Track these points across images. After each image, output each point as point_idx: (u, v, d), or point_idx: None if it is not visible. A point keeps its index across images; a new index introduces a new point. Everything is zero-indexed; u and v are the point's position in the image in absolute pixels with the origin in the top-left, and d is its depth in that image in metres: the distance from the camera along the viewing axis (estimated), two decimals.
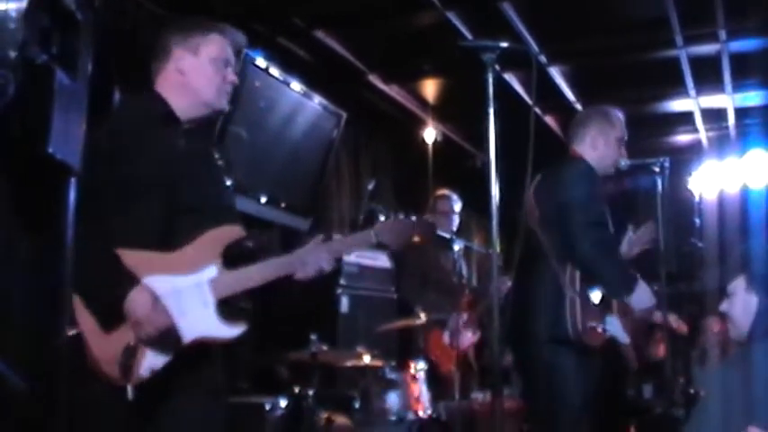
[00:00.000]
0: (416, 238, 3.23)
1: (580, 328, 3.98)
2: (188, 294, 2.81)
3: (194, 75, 3.04)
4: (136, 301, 2.71)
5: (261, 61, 5.94)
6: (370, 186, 6.76)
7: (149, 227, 2.84)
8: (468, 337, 6.17)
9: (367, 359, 5.01)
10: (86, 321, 2.69)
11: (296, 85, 6.44)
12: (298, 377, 4.98)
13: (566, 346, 4.02)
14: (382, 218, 3.21)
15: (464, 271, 6.59)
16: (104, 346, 2.69)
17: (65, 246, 1.63)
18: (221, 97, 3.09)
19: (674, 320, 4.63)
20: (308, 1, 6.03)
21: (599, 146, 4.36)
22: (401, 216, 3.22)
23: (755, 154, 9.48)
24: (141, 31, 5.42)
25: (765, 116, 8.99)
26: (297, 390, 4.73)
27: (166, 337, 2.75)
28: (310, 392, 4.69)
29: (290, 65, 6.41)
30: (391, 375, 5.22)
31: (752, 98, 8.52)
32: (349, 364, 5.14)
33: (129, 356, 2.68)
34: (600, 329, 4.05)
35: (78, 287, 2.57)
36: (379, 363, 5.10)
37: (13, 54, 1.42)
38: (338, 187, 7.95)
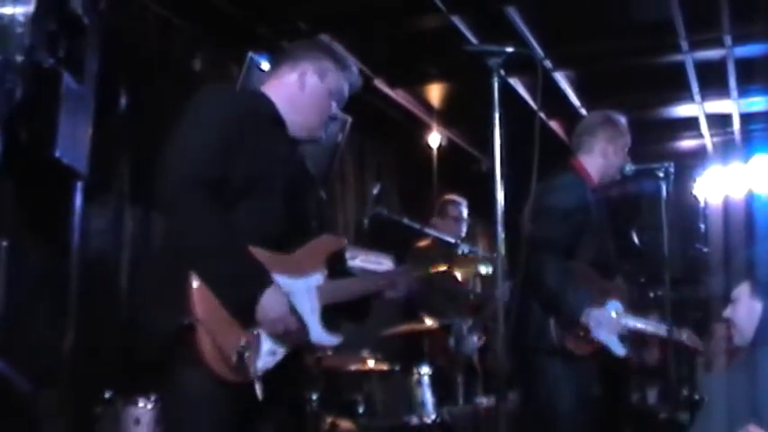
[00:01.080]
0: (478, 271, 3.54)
1: (565, 336, 3.98)
2: (299, 298, 2.84)
3: (312, 97, 3.05)
4: (273, 299, 2.70)
5: (265, 65, 5.94)
6: (375, 191, 6.75)
7: (272, 226, 2.85)
8: (473, 342, 6.17)
9: (371, 363, 5.01)
10: (211, 313, 2.65)
11: None
12: (302, 380, 4.97)
13: (553, 354, 4.02)
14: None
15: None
16: (224, 338, 2.65)
17: (71, 249, 1.63)
18: (321, 129, 3.13)
19: (689, 337, 4.58)
20: (313, 4, 6.04)
21: (608, 154, 4.36)
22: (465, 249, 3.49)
23: (760, 159, 9.48)
24: (147, 34, 5.44)
25: None
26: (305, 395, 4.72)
27: (292, 339, 2.78)
28: (314, 396, 4.69)
29: None
30: (396, 380, 5.21)
31: (757, 104, 8.52)
32: (353, 368, 5.13)
33: (245, 354, 2.64)
34: (589, 338, 4.04)
35: (209, 278, 2.64)
36: (383, 367, 5.10)
37: (20, 58, 1.43)
38: (343, 191, 7.95)
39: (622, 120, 4.46)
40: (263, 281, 2.70)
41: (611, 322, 4.12)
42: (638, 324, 4.29)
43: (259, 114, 2.94)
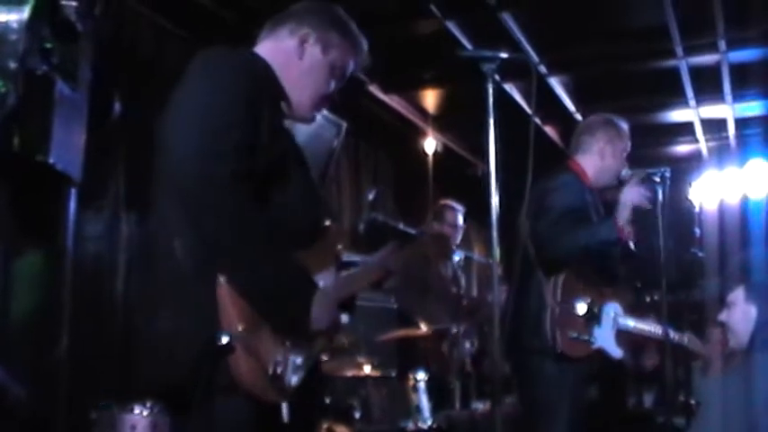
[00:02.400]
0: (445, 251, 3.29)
1: (559, 338, 3.98)
2: None
3: (309, 72, 2.67)
4: (324, 306, 2.42)
5: None
6: (371, 196, 6.75)
7: (301, 217, 2.53)
8: (466, 347, 6.17)
9: (368, 369, 5.00)
10: (249, 327, 2.27)
11: None
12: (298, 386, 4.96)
13: (547, 356, 4.02)
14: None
15: (463, 281, 6.61)
16: (260, 356, 2.30)
17: (65, 254, 1.63)
18: (313, 109, 2.76)
19: (690, 340, 4.58)
20: None
21: (606, 155, 4.37)
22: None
23: (755, 164, 9.49)
24: (141, 40, 5.44)
25: (765, 126, 9.01)
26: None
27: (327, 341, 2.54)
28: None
29: None
30: (392, 385, 5.21)
31: (752, 108, 8.54)
32: (350, 373, 5.13)
33: (278, 370, 2.33)
34: (582, 340, 4.04)
35: (249, 286, 2.27)
36: (379, 372, 5.09)
37: (14, 65, 1.43)
38: (338, 196, 7.95)
39: (624, 125, 4.48)
40: (313, 289, 2.41)
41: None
42: (637, 325, 4.29)
43: (272, 83, 2.59)
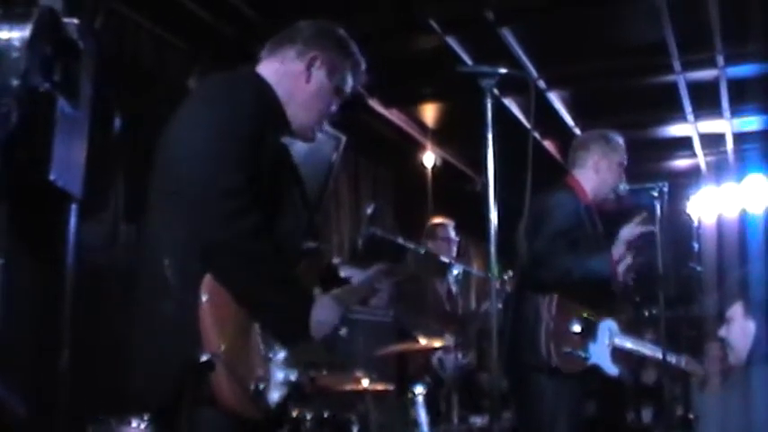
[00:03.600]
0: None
1: (554, 353, 3.98)
2: None
3: (316, 95, 2.71)
4: (327, 312, 2.51)
5: None
6: (370, 210, 6.75)
7: (296, 237, 2.62)
8: (453, 361, 6.19)
9: (366, 383, 4.99)
10: (232, 342, 2.31)
11: None
12: (296, 400, 4.96)
13: (543, 371, 4.02)
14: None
15: (458, 297, 6.63)
16: (242, 372, 2.32)
17: (65, 270, 1.64)
18: (316, 129, 2.79)
19: (687, 363, 4.59)
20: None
21: (601, 169, 4.38)
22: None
23: (754, 179, 9.50)
24: (142, 52, 5.46)
25: (763, 141, 9.02)
26: (295, 413, 4.71)
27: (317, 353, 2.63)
28: (308, 416, 4.67)
29: None
30: (390, 400, 5.21)
31: (750, 123, 8.56)
32: (348, 388, 5.12)
33: (260, 386, 2.36)
34: (577, 356, 4.05)
35: (260, 316, 2.38)
36: (377, 387, 5.08)
37: (15, 82, 1.44)
38: (337, 211, 7.96)
39: (618, 138, 4.49)
40: (311, 303, 2.48)
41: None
42: (632, 345, 4.29)
43: (276, 108, 2.64)
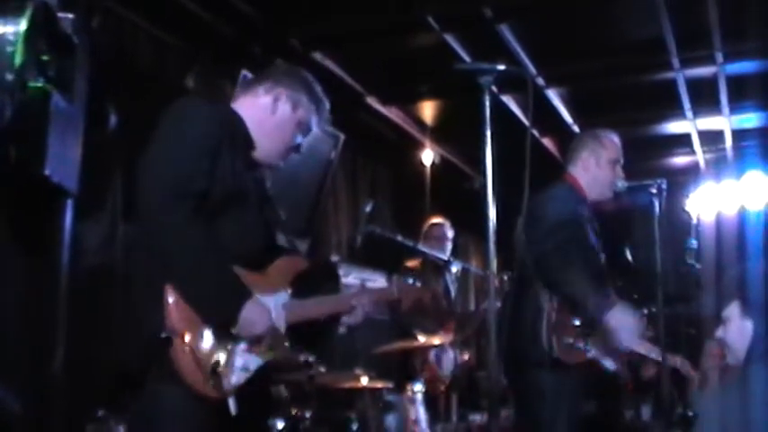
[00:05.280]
0: (417, 300, 3.55)
1: (556, 344, 3.98)
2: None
3: (280, 125, 3.09)
4: (257, 315, 2.77)
5: None
6: (368, 208, 6.76)
7: (250, 241, 2.92)
8: (450, 359, 6.19)
9: (365, 381, 4.99)
10: (188, 326, 2.67)
11: None
12: (295, 399, 4.96)
13: (544, 365, 4.02)
14: (410, 281, 3.47)
15: (454, 295, 6.64)
16: (198, 354, 2.67)
17: (60, 268, 1.63)
18: (281, 157, 3.16)
19: (680, 362, 4.59)
20: (306, 23, 6.05)
21: (590, 167, 4.38)
22: (411, 281, 3.50)
23: (752, 176, 9.50)
24: (140, 52, 5.45)
25: (762, 138, 9.02)
26: (294, 412, 4.71)
27: (273, 352, 2.85)
28: (308, 414, 4.67)
29: None
30: (389, 398, 5.21)
31: (749, 120, 8.55)
32: (347, 386, 5.12)
33: (218, 369, 2.68)
34: (578, 348, 4.05)
35: (187, 289, 2.67)
36: (376, 385, 5.09)
37: (10, 77, 1.43)
38: (335, 209, 7.95)
39: (610, 136, 4.48)
40: (244, 296, 2.76)
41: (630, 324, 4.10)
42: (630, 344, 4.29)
43: (234, 130, 2.96)
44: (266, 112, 3.07)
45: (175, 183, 2.65)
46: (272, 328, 2.82)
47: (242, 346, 2.79)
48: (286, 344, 2.93)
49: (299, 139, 3.16)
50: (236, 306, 2.73)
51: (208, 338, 2.70)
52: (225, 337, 2.73)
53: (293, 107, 3.09)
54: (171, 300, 2.65)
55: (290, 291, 3.00)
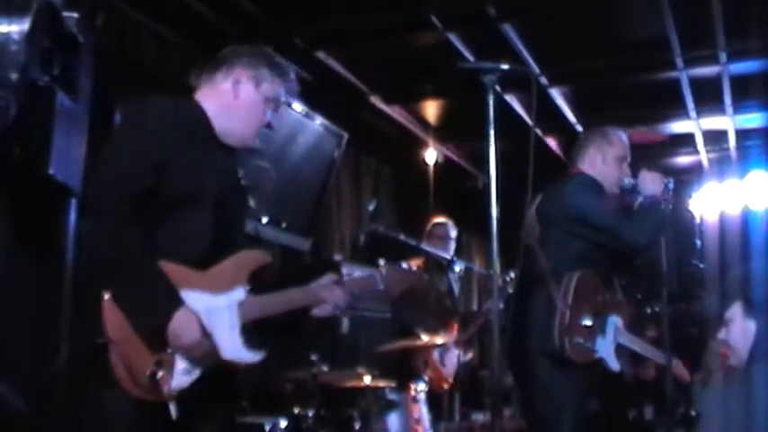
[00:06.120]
0: (408, 287, 3.35)
1: (566, 341, 3.99)
2: (218, 315, 2.79)
3: (246, 106, 3.01)
4: (184, 326, 2.68)
5: None
6: (371, 207, 6.77)
7: (200, 240, 2.83)
8: (453, 358, 6.20)
9: (367, 380, 4.99)
10: (123, 332, 2.62)
11: (297, 106, 6.45)
12: (298, 397, 4.96)
13: (554, 360, 4.03)
14: (382, 262, 3.26)
15: (458, 294, 6.64)
16: (135, 359, 2.63)
17: (65, 267, 1.63)
18: (256, 137, 3.08)
19: (679, 367, 4.61)
20: (310, 21, 6.06)
21: (597, 164, 4.39)
22: (405, 266, 3.32)
23: (756, 175, 9.50)
24: (143, 50, 5.45)
25: (766, 138, 9.00)
26: (297, 410, 4.71)
27: (205, 360, 2.74)
28: (310, 413, 4.67)
29: None
30: (392, 396, 5.20)
31: (753, 120, 8.53)
32: (349, 384, 5.12)
33: (158, 375, 2.64)
34: (587, 348, 4.06)
35: (121, 298, 2.61)
36: (379, 383, 5.08)
37: (14, 76, 1.43)
38: (339, 208, 7.96)
39: (617, 133, 4.49)
40: (172, 305, 2.67)
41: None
42: (631, 345, 4.31)
43: (192, 125, 2.90)
44: (229, 97, 3.00)
45: (115, 184, 2.60)
46: (198, 340, 2.70)
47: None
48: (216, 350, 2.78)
49: (270, 115, 3.08)
50: (162, 317, 2.65)
51: (141, 345, 2.65)
52: (162, 342, 2.67)
53: (256, 85, 3.02)
54: (106, 306, 2.61)
55: (246, 287, 2.88)
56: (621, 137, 4.49)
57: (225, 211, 2.93)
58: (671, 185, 4.30)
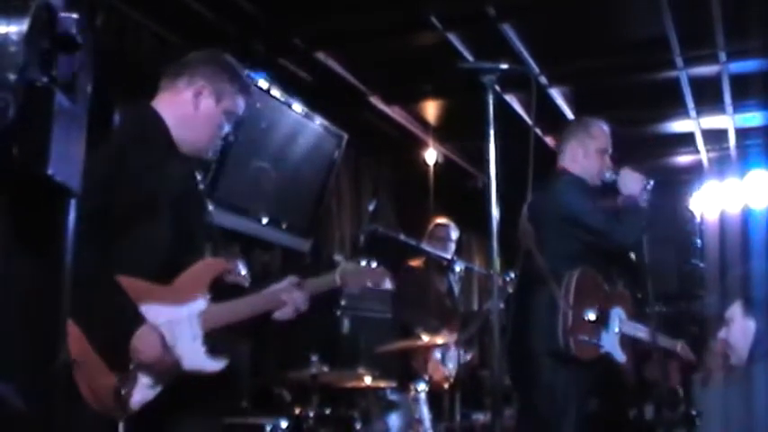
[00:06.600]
0: (370, 284, 3.35)
1: (571, 340, 4.00)
2: (180, 327, 2.80)
3: (205, 119, 3.00)
4: (146, 342, 2.68)
5: (262, 82, 5.97)
6: (371, 207, 6.78)
7: (159, 252, 2.82)
8: (453, 358, 6.20)
9: (368, 380, 4.99)
10: (83, 352, 2.62)
11: (297, 107, 6.45)
12: (298, 398, 4.96)
13: (558, 359, 4.03)
14: (339, 258, 3.33)
15: (458, 294, 6.65)
16: (96, 378, 2.63)
17: (64, 268, 1.63)
18: (213, 150, 3.11)
19: (682, 348, 4.62)
20: (309, 22, 6.05)
21: (578, 158, 4.39)
22: (362, 263, 3.30)
23: (756, 174, 9.49)
24: (143, 51, 5.46)
25: (766, 137, 9.00)
26: (297, 411, 4.71)
27: (168, 373, 2.74)
28: (311, 413, 4.67)
29: (292, 86, 6.43)
30: (392, 396, 5.20)
31: (752, 119, 8.53)
32: (350, 385, 5.12)
33: (122, 392, 2.65)
34: (592, 344, 4.06)
35: (80, 317, 2.53)
36: (380, 384, 5.09)
37: (13, 77, 1.43)
38: (339, 208, 7.96)
39: (600, 125, 4.49)
40: (133, 321, 2.67)
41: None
42: (635, 333, 4.32)
43: (146, 134, 2.89)
44: (189, 108, 2.98)
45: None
46: (161, 355, 2.70)
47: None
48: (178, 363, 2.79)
49: (227, 128, 3.08)
50: (123, 334, 2.66)
51: (101, 364, 2.65)
52: (123, 360, 2.66)
53: (217, 100, 3.01)
54: (70, 327, 2.56)
55: (207, 296, 2.89)
56: (603, 128, 4.49)
57: (184, 217, 2.92)
58: (650, 187, 4.30)
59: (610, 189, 4.37)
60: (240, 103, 3.08)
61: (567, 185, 4.28)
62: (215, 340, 2.87)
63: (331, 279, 3.20)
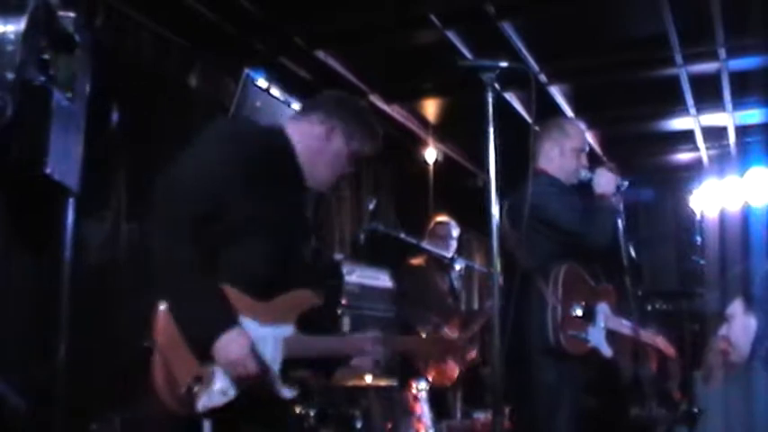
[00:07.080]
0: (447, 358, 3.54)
1: (561, 335, 4.00)
2: (264, 345, 2.84)
3: (334, 156, 3.12)
4: (236, 342, 2.72)
5: (262, 81, 5.95)
6: (371, 206, 6.76)
7: (261, 268, 2.89)
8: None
9: (369, 379, 4.99)
10: (172, 339, 2.70)
11: (297, 106, 6.44)
12: (299, 397, 4.95)
13: (549, 355, 4.04)
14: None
15: (459, 292, 6.65)
16: (179, 367, 2.70)
17: (63, 265, 1.63)
18: (330, 185, 3.23)
19: (662, 342, 4.65)
20: (309, 21, 6.05)
21: (554, 158, 4.38)
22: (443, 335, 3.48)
23: (756, 172, 9.48)
24: (143, 50, 5.45)
25: (766, 134, 9.00)
26: (298, 409, 4.71)
27: (248, 379, 2.77)
28: (312, 412, 4.67)
29: (292, 85, 6.42)
30: (393, 395, 5.20)
31: (752, 116, 8.53)
32: (351, 383, 5.12)
33: (194, 389, 2.68)
34: (581, 339, 4.08)
35: (178, 309, 2.70)
36: (381, 382, 5.08)
37: (11, 76, 1.43)
38: (339, 206, 7.95)
39: (575, 124, 4.50)
40: (227, 322, 2.73)
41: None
42: (620, 328, 4.34)
43: (272, 154, 2.99)
44: (320, 142, 3.11)
45: (180, 203, 2.69)
46: (246, 359, 2.74)
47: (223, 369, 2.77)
48: (271, 377, 2.85)
49: (350, 167, 3.22)
50: (214, 331, 2.71)
51: (187, 357, 2.71)
52: (208, 357, 2.72)
53: (347, 141, 3.13)
54: (160, 311, 2.70)
55: (294, 325, 2.94)
56: (579, 128, 4.50)
57: (289, 244, 3.03)
58: (623, 188, 4.30)
59: (587, 187, 4.37)
60: (366, 149, 3.20)
61: (543, 188, 4.28)
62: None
63: (416, 346, 3.57)
